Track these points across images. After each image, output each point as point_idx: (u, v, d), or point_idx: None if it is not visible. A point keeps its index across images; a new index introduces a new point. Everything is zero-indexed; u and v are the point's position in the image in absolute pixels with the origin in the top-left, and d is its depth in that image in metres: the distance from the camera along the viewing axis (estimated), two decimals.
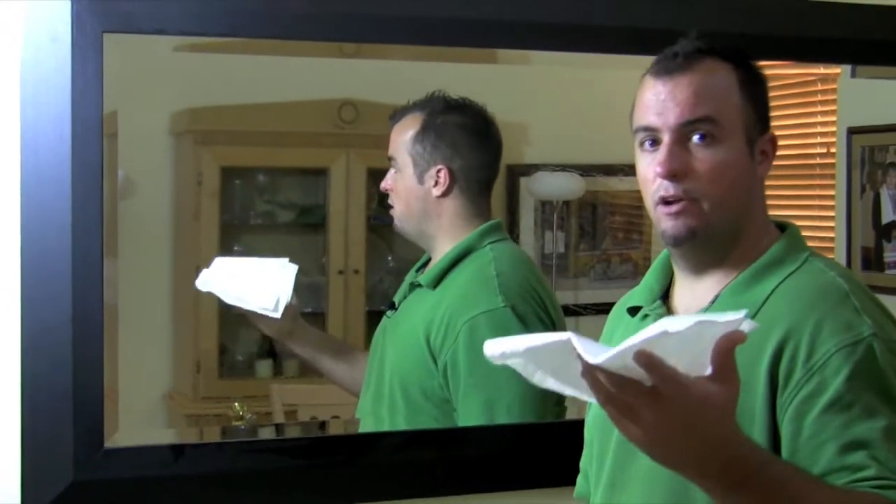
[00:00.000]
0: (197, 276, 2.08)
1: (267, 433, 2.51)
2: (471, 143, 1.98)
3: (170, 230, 2.75)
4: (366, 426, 2.00)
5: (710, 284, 1.40)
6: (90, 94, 1.67)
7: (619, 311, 1.55)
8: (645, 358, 1.05)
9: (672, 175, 1.34)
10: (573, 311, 2.70)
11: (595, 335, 2.16)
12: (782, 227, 1.43)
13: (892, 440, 1.24)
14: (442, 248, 1.96)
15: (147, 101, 2.49)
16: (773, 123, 1.43)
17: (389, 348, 1.97)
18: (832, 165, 2.69)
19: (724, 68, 1.37)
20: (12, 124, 1.67)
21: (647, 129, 1.37)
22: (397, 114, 2.00)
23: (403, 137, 1.97)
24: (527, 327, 1.87)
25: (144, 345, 2.55)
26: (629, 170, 1.44)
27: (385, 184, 2.01)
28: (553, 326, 1.94)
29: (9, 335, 1.68)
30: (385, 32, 1.86)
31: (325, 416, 2.33)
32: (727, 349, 1.09)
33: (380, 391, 1.97)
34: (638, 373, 1.06)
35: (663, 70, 1.37)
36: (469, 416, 1.87)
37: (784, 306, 1.32)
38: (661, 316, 1.43)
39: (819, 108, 2.74)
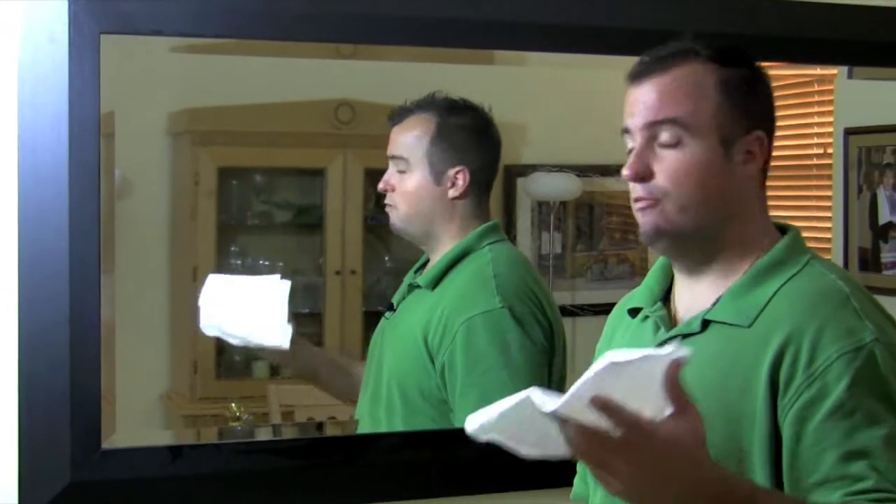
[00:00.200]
0: (194, 277, 2.07)
1: (264, 434, 2.51)
2: (480, 144, 2.00)
3: (167, 230, 2.74)
4: (364, 427, 2.00)
5: (708, 286, 1.40)
6: (87, 94, 1.67)
7: (619, 312, 1.56)
8: (601, 402, 1.07)
9: (636, 177, 1.38)
10: (570, 311, 2.70)
11: (593, 335, 2.16)
12: (783, 229, 1.43)
13: (894, 448, 1.24)
14: (443, 249, 1.97)
15: (144, 102, 2.48)
16: None
17: (388, 349, 1.97)
18: (829, 166, 2.69)
19: (702, 69, 1.38)
20: (10, 125, 1.67)
21: (624, 131, 1.41)
22: (399, 114, 2.00)
23: (411, 138, 1.97)
24: (523, 328, 1.88)
25: (141, 345, 2.55)
26: None
27: (385, 184, 2.00)
28: (550, 327, 1.95)
29: (6, 336, 1.68)
30: (382, 33, 1.86)
31: (322, 416, 2.33)
32: (675, 379, 1.12)
33: (377, 392, 1.97)
34: (606, 421, 1.07)
35: (635, 74, 1.40)
36: (466, 416, 1.87)
37: (786, 310, 1.33)
38: (661, 318, 1.44)
39: (816, 109, 2.74)
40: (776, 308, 1.34)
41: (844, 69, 2.48)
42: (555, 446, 1.13)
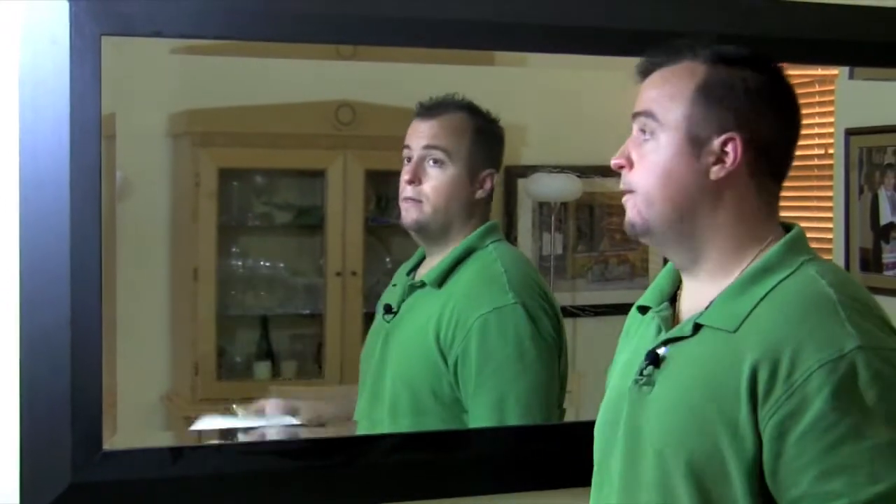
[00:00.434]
0: (194, 278, 2.07)
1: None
2: (501, 150, 2.06)
3: (167, 232, 2.74)
4: (362, 429, 2.00)
5: (706, 287, 1.39)
6: (88, 96, 1.67)
7: (634, 309, 1.55)
8: None
9: (616, 164, 1.42)
10: (571, 312, 2.70)
11: (593, 336, 2.17)
12: (790, 228, 1.42)
13: (883, 457, 1.22)
14: (451, 248, 1.97)
15: (145, 103, 2.48)
16: None
17: (392, 351, 1.97)
18: (830, 167, 2.69)
19: (688, 68, 1.39)
20: (11, 126, 1.67)
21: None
22: (435, 107, 2.01)
23: (456, 133, 1.99)
24: (535, 323, 1.91)
25: (142, 347, 2.55)
26: None
27: (413, 175, 1.97)
28: (558, 322, 1.98)
29: (7, 337, 1.68)
30: (382, 34, 1.86)
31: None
32: None
33: (377, 394, 1.97)
34: None
35: (639, 67, 1.44)
36: (480, 410, 1.88)
37: (769, 316, 1.31)
38: (664, 318, 1.43)
39: (817, 110, 2.74)
40: (761, 313, 1.32)
41: (845, 69, 2.48)
42: None
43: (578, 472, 1.56)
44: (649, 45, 1.45)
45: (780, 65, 1.43)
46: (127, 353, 2.03)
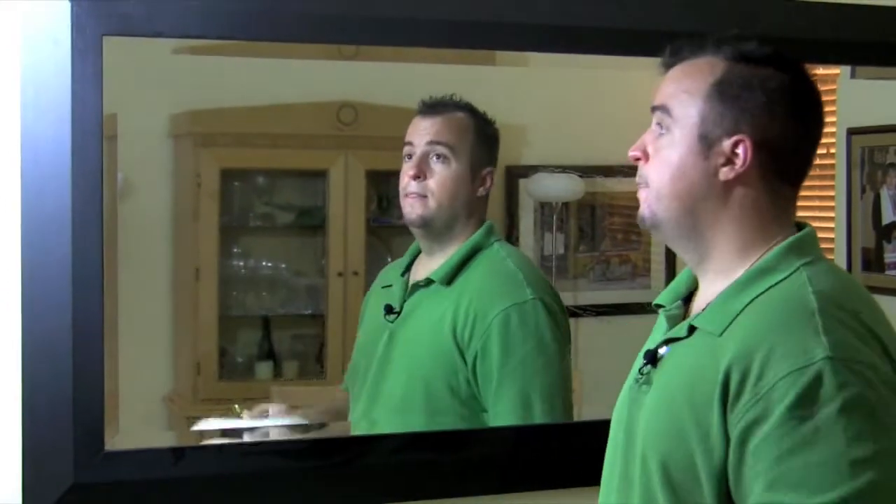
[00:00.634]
0: (196, 278, 2.07)
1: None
2: (497, 150, 2.08)
3: (169, 232, 2.74)
4: (361, 430, 2.01)
5: (714, 287, 1.38)
6: (90, 96, 1.67)
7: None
8: None
9: (632, 158, 1.40)
10: (573, 312, 2.70)
11: (595, 336, 2.17)
12: (802, 228, 1.40)
13: (834, 471, 1.18)
14: (454, 246, 2.00)
15: (146, 104, 2.48)
16: None
17: (401, 350, 1.97)
18: (832, 166, 2.69)
19: (708, 64, 1.37)
20: (13, 127, 1.67)
21: None
22: (437, 105, 2.04)
23: (459, 129, 2.02)
24: (553, 317, 1.94)
25: (144, 347, 2.55)
26: (628, 171, 1.44)
27: (419, 170, 1.99)
28: (566, 319, 2.02)
29: (9, 338, 1.68)
30: (384, 34, 1.86)
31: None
32: None
33: (379, 394, 1.97)
34: None
35: (663, 59, 1.42)
36: (505, 405, 1.89)
37: (749, 322, 1.29)
38: (670, 318, 1.43)
39: None
40: (744, 319, 1.30)
41: (847, 69, 2.48)
42: None
43: (580, 471, 1.56)
44: (651, 44, 1.45)
45: (804, 65, 1.40)
46: (129, 353, 2.03)
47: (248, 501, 1.80)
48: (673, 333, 1.40)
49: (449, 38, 1.89)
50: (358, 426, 2.02)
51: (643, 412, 1.38)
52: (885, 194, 2.58)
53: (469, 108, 2.04)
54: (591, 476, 1.49)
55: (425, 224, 1.99)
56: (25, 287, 1.66)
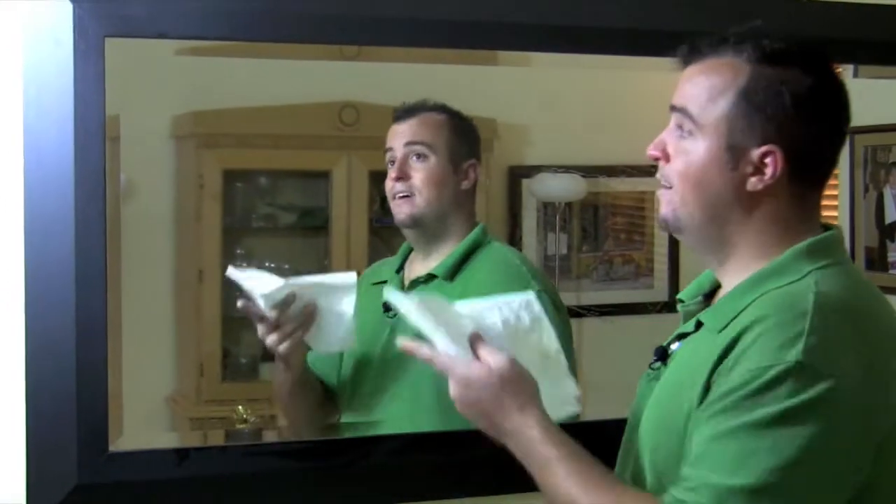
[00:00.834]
0: (199, 279, 2.07)
1: (270, 436, 2.51)
2: (476, 140, 2.10)
3: (172, 233, 2.75)
4: (356, 429, 2.02)
5: (731, 285, 1.37)
6: (92, 97, 1.67)
7: None
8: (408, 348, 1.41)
9: (652, 157, 1.37)
10: (576, 312, 2.70)
11: (599, 336, 2.16)
12: (828, 227, 1.38)
13: (749, 462, 1.19)
14: (450, 243, 2.02)
15: (149, 105, 2.49)
16: None
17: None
18: None
19: (732, 66, 1.33)
20: (15, 129, 1.67)
21: None
22: (413, 108, 2.07)
23: (432, 127, 2.05)
24: (558, 309, 1.95)
25: (147, 348, 2.55)
26: (631, 171, 1.45)
27: (402, 171, 2.02)
28: (566, 316, 2.04)
29: (13, 338, 1.68)
30: (386, 34, 1.86)
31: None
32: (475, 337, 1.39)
33: (380, 391, 1.97)
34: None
35: (683, 55, 1.38)
36: None
37: (745, 321, 1.27)
38: (689, 314, 1.42)
39: None
40: (743, 317, 1.29)
41: (850, 68, 2.47)
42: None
43: None
44: (654, 44, 1.45)
45: (829, 60, 1.37)
46: (132, 354, 2.03)
47: (252, 502, 1.80)
48: (683, 329, 1.40)
49: (451, 39, 1.89)
50: (356, 426, 2.03)
51: (647, 408, 1.39)
52: (888, 193, 2.58)
53: (442, 107, 2.07)
54: None
55: (416, 223, 2.02)
56: (29, 289, 1.67)
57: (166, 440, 2.45)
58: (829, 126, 1.34)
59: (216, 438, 2.47)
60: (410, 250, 2.09)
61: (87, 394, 1.67)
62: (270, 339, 1.82)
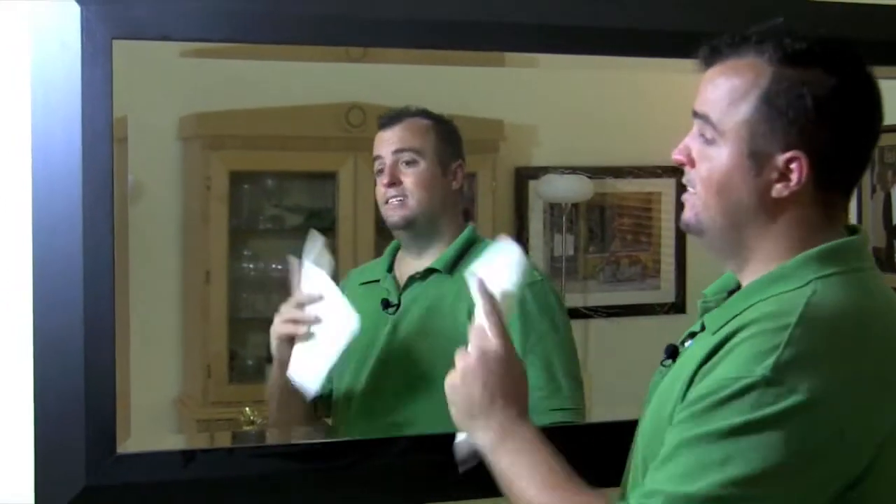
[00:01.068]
0: (206, 281, 2.08)
1: (277, 438, 2.51)
2: (459, 141, 2.15)
3: (179, 235, 2.75)
4: (357, 425, 2.03)
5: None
6: (99, 99, 1.67)
7: None
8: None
9: (677, 162, 1.35)
10: (583, 313, 2.70)
11: (605, 337, 2.16)
12: (854, 231, 1.35)
13: (703, 473, 1.18)
14: (443, 241, 2.06)
15: (156, 106, 2.49)
16: None
17: (410, 341, 1.99)
18: None
19: (753, 68, 1.29)
20: (23, 130, 1.68)
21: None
22: (397, 116, 2.12)
23: (418, 132, 2.10)
24: (558, 297, 2.04)
25: (154, 350, 2.55)
26: (638, 172, 1.45)
27: (393, 177, 2.07)
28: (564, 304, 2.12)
29: (21, 340, 1.68)
30: (392, 36, 1.86)
31: None
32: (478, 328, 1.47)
33: (380, 388, 1.98)
34: None
35: (703, 57, 1.35)
36: (531, 371, 1.91)
37: (737, 324, 1.26)
38: (708, 309, 1.39)
39: None
40: (735, 321, 1.27)
41: None
42: None
43: (590, 473, 1.55)
44: (660, 45, 1.44)
45: (857, 58, 1.32)
46: (139, 355, 2.03)
47: (259, 503, 1.81)
48: (693, 327, 1.40)
49: (457, 40, 1.89)
50: (356, 424, 2.04)
51: (649, 405, 1.40)
52: (895, 194, 2.57)
53: (424, 112, 2.13)
54: (600, 478, 1.48)
55: (408, 224, 2.06)
56: (36, 290, 1.67)
57: (173, 442, 2.45)
58: (856, 128, 1.30)
59: (223, 440, 2.47)
60: (396, 251, 2.12)
61: (95, 395, 1.68)
62: (283, 310, 1.90)
